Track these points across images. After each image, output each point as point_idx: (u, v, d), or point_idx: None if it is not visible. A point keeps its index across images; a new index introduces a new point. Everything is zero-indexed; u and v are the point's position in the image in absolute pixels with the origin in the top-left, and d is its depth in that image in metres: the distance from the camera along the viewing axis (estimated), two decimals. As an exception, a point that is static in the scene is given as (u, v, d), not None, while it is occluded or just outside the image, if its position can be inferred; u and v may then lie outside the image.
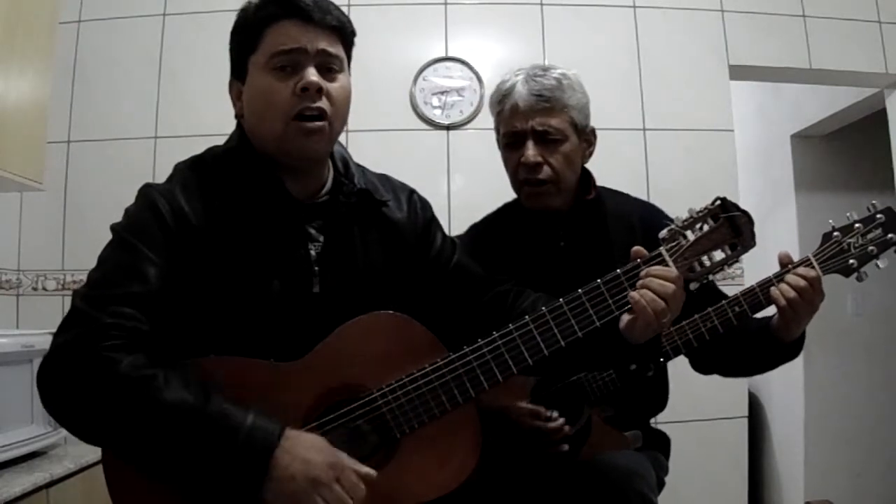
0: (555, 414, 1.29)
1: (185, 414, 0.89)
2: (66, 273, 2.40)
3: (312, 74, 1.02)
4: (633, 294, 0.99)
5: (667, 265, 1.01)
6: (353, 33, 1.11)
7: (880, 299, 3.27)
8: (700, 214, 1.02)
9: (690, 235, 1.02)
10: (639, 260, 1.03)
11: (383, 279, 1.12)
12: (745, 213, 1.02)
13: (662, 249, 1.02)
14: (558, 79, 1.36)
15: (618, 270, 1.03)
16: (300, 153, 1.05)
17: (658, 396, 1.50)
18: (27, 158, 1.94)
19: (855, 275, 1.22)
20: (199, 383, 0.92)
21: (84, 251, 2.31)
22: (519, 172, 1.38)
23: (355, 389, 1.01)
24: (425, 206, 1.23)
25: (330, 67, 1.05)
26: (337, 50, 1.06)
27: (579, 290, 1.02)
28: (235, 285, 1.01)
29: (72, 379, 0.90)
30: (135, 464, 0.94)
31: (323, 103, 1.03)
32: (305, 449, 0.92)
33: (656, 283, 0.99)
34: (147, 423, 0.89)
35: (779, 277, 1.23)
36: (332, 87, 1.05)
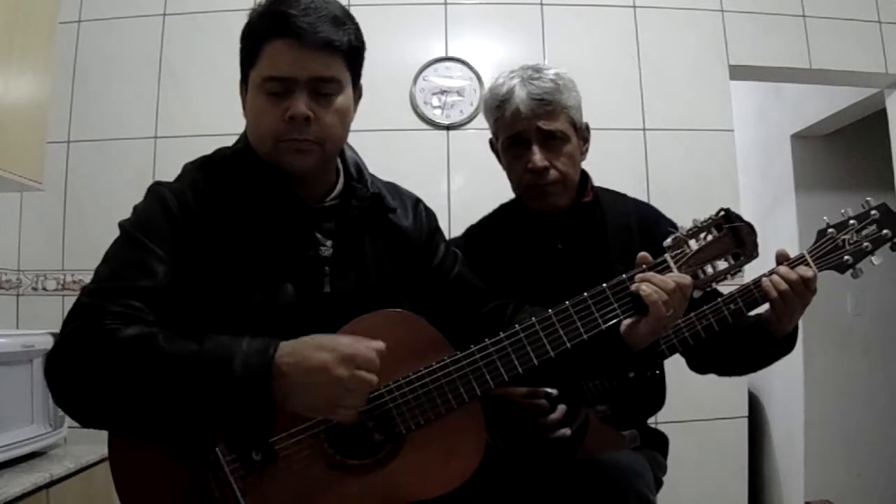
0: (554, 392, 1.28)
1: (188, 359, 0.88)
2: (66, 273, 2.39)
3: (301, 104, 1.00)
4: (644, 286, 1.00)
5: (671, 272, 1.03)
6: (355, 49, 1.05)
7: (880, 298, 3.27)
8: (704, 224, 1.04)
9: (694, 244, 1.04)
10: (644, 266, 1.04)
11: (391, 282, 1.12)
12: (748, 224, 1.03)
13: (667, 256, 1.04)
14: (554, 80, 1.36)
15: (623, 276, 1.04)
16: (290, 168, 1.05)
17: (655, 396, 1.49)
18: (27, 158, 1.94)
19: (850, 271, 1.20)
20: (198, 336, 0.91)
21: (84, 251, 2.33)
22: (524, 178, 1.37)
23: None
24: (430, 216, 1.24)
25: (325, 93, 1.02)
26: (333, 71, 1.02)
27: (585, 294, 1.03)
28: (244, 284, 1.01)
29: (77, 359, 0.89)
30: (147, 430, 0.93)
31: (310, 132, 1.01)
32: (313, 349, 0.90)
33: (658, 278, 1.01)
34: (152, 376, 0.87)
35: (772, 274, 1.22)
36: (325, 112, 1.02)
